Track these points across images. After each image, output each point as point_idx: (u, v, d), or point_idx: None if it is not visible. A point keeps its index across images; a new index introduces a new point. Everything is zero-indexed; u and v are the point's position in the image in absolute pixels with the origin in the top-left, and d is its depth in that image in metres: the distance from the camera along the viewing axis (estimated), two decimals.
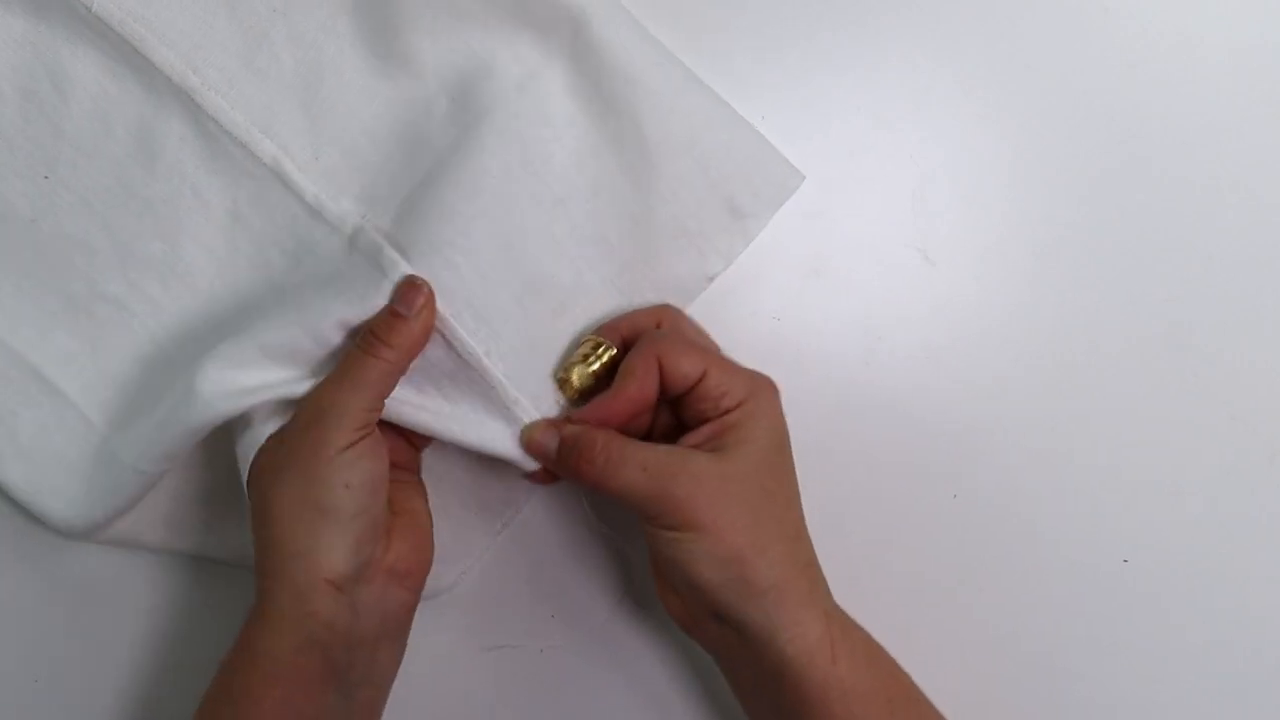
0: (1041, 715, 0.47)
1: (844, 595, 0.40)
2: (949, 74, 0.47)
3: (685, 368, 0.39)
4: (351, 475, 0.38)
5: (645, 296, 0.43)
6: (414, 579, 0.40)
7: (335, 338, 0.39)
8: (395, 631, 0.40)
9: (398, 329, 0.38)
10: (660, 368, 0.39)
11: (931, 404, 0.46)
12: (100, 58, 0.41)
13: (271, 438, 0.39)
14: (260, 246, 0.42)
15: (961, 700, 0.40)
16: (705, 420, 0.39)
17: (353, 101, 0.42)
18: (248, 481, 0.39)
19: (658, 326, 0.41)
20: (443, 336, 0.40)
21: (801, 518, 0.40)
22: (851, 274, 0.47)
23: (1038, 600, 0.46)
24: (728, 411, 0.39)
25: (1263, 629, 0.46)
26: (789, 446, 0.40)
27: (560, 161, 0.41)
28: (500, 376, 0.41)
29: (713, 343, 0.42)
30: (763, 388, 0.40)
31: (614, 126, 0.41)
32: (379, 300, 0.39)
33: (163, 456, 0.40)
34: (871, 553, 0.46)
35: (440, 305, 0.39)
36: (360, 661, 0.39)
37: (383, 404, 0.39)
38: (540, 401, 0.42)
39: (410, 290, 0.39)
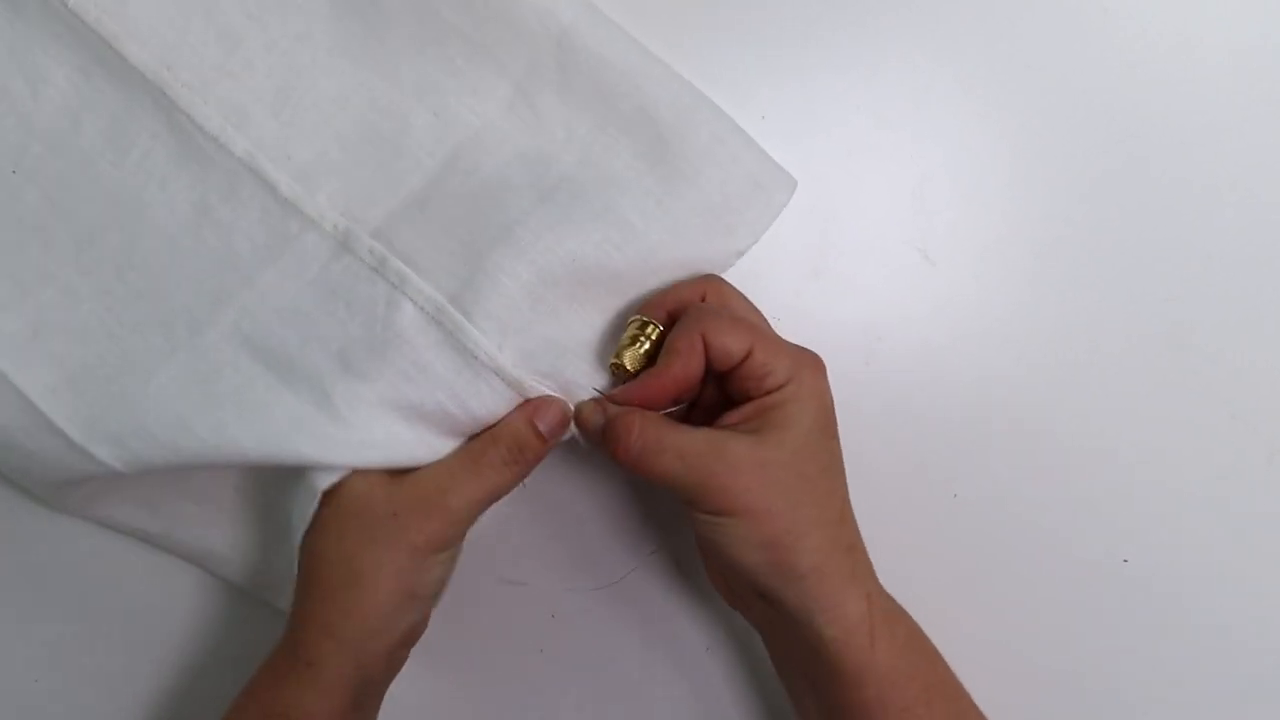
0: (1041, 715, 0.47)
1: None
2: (949, 74, 0.47)
3: (730, 345, 0.38)
4: (449, 570, 0.40)
5: (675, 274, 0.42)
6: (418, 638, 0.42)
7: (363, 365, 0.40)
8: None
9: (537, 449, 0.39)
10: (705, 344, 0.38)
11: (931, 404, 0.46)
12: (73, 54, 0.41)
13: (370, 496, 0.39)
14: (228, 240, 0.42)
15: None
16: (749, 398, 0.39)
17: (325, 108, 0.42)
18: (321, 527, 0.39)
19: (703, 299, 0.40)
20: (456, 340, 0.40)
21: (846, 500, 0.39)
22: (851, 274, 0.47)
23: (1038, 600, 0.46)
24: (770, 391, 0.38)
25: (1263, 629, 0.46)
26: (834, 426, 0.39)
27: (566, 165, 0.41)
28: (511, 368, 0.40)
29: (759, 314, 0.42)
30: (808, 366, 0.39)
31: (619, 120, 0.41)
32: (399, 321, 0.39)
33: (172, 467, 0.40)
34: (871, 552, 0.45)
35: (451, 309, 0.40)
36: (378, 704, 0.42)
37: None
38: (568, 384, 0.41)
39: (554, 414, 0.40)
